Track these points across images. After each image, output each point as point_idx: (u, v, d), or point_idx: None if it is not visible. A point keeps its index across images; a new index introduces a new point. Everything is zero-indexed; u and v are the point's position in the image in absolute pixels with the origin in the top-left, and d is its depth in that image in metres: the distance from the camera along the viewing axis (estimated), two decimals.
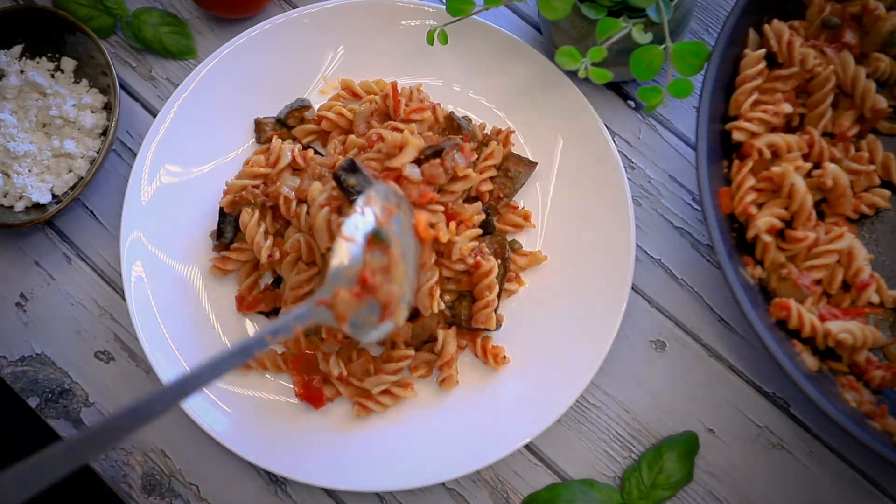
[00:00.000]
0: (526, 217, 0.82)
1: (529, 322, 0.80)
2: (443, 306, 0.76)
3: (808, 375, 0.71)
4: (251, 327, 0.81)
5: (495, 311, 0.77)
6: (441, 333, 0.77)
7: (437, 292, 0.75)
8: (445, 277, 0.76)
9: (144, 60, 0.91)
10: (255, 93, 0.85)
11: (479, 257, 0.77)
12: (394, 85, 0.81)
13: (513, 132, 0.83)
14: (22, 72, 0.86)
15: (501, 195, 0.82)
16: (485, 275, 0.76)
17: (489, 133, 0.83)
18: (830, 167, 0.76)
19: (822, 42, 0.79)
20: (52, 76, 0.87)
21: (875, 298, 0.77)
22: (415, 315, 0.77)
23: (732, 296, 0.72)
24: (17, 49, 0.87)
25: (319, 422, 0.77)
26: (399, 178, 0.75)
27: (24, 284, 0.85)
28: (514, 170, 0.82)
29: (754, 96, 0.77)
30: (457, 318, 0.78)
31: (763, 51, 0.78)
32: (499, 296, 0.77)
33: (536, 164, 0.83)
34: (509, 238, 0.82)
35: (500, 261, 0.78)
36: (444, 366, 0.77)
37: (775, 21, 0.79)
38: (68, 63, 0.87)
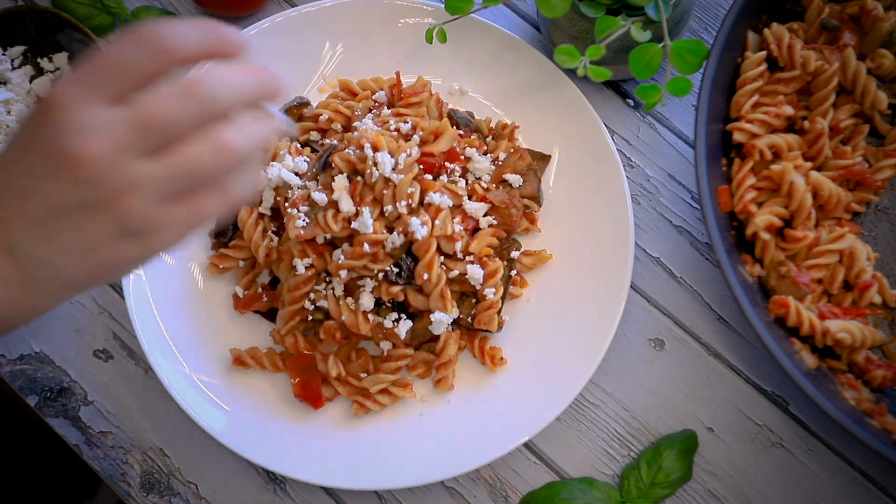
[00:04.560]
0: (532, 220, 0.82)
1: (528, 320, 0.79)
2: (457, 313, 0.76)
3: (807, 374, 0.71)
4: (248, 326, 0.81)
5: (498, 313, 0.77)
6: (444, 334, 0.77)
7: (448, 293, 0.75)
8: (449, 279, 0.76)
9: None
10: None
11: (484, 257, 0.77)
12: (398, 74, 0.82)
13: (517, 127, 0.83)
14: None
15: (525, 195, 0.81)
16: (490, 275, 0.76)
17: (494, 127, 0.83)
18: (813, 176, 0.76)
19: (822, 45, 0.79)
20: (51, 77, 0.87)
21: (877, 299, 0.76)
22: (416, 315, 0.77)
23: (731, 294, 0.72)
24: (19, 49, 0.87)
25: (318, 420, 0.77)
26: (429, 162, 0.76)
27: None
28: (533, 166, 0.81)
29: (755, 98, 0.77)
30: (459, 318, 0.77)
31: (763, 53, 0.78)
32: (503, 298, 0.77)
33: (550, 156, 0.83)
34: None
35: (505, 262, 0.78)
36: (442, 367, 0.77)
37: (774, 25, 0.79)
38: (65, 62, 0.87)
